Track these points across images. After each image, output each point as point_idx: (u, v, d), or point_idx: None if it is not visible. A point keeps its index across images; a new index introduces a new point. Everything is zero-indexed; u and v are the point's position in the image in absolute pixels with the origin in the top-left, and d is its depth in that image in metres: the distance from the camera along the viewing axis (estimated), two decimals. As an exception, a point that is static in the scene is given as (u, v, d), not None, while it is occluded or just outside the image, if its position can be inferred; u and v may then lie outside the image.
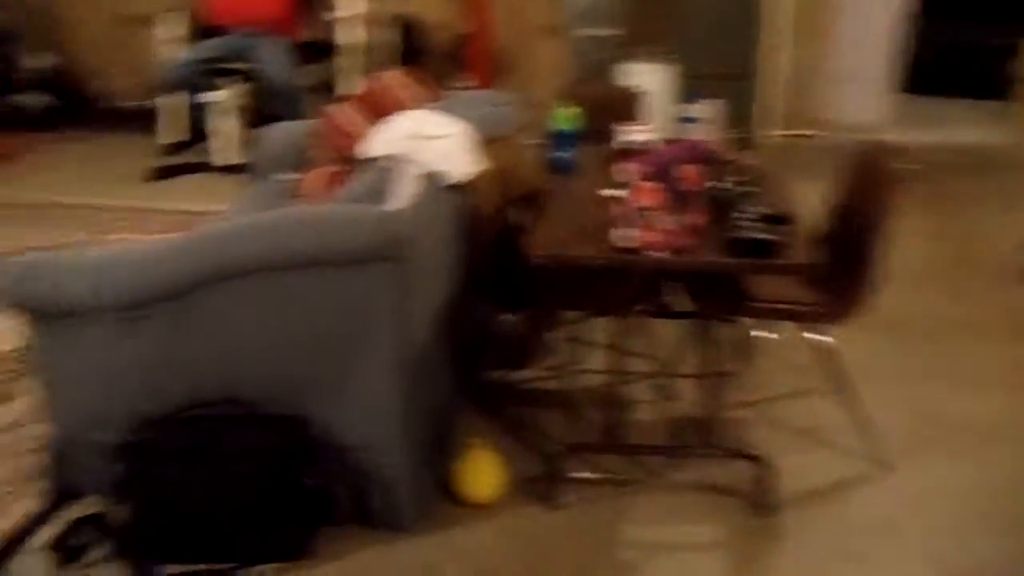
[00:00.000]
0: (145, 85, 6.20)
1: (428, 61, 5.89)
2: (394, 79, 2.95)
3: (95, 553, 2.19)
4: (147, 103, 6.25)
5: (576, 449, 2.61)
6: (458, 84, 5.79)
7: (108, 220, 4.58)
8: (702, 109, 2.95)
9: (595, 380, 3.00)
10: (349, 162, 2.95)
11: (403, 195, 2.20)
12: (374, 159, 2.44)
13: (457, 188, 2.49)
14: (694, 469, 2.54)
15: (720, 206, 2.32)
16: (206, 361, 2.16)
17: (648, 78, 4.93)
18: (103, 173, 5.36)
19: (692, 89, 4.63)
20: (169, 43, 5.63)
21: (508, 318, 3.13)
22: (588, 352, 3.18)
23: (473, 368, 2.96)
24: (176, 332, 2.13)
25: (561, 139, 2.95)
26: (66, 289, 2.11)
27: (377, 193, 2.23)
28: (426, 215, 2.28)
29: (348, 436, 2.21)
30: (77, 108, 6.44)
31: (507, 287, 2.85)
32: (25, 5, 6.46)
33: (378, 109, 2.90)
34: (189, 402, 2.18)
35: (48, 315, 2.17)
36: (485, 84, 5.57)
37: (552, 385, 3.00)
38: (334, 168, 3.12)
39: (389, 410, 2.19)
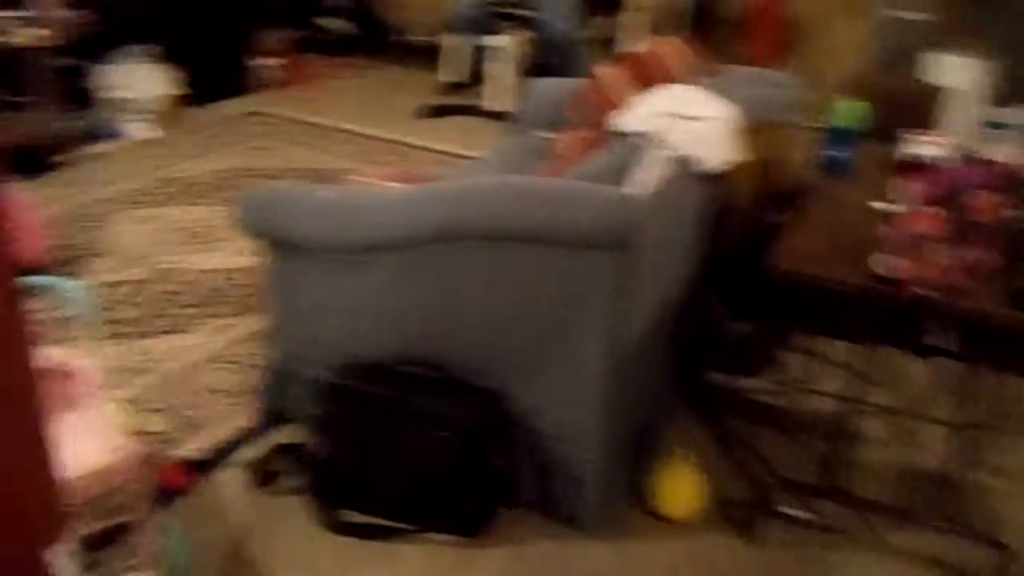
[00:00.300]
0: (438, 22, 6.35)
1: (713, 29, 5.58)
2: (669, 46, 2.76)
3: (288, 481, 2.25)
4: (436, 40, 6.43)
5: (790, 485, 2.35)
6: (738, 58, 5.45)
7: (376, 151, 4.74)
8: (1016, 115, 2.52)
9: (825, 405, 2.70)
10: (605, 131, 2.81)
11: (647, 179, 2.03)
12: (627, 133, 2.27)
13: (709, 177, 2.29)
14: (923, 536, 2.22)
15: (1017, 245, 1.96)
16: (418, 318, 2.12)
17: (957, 74, 4.36)
18: (382, 105, 5.55)
19: (1010, 92, 4.06)
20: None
21: (740, 322, 2.88)
22: (822, 371, 2.87)
23: (693, 369, 2.76)
24: (395, 284, 2.11)
25: (839, 135, 2.63)
26: (299, 225, 2.14)
27: (620, 172, 2.08)
28: (667, 203, 2.10)
29: (544, 421, 2.11)
30: (374, 38, 6.72)
31: (746, 291, 2.61)
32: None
33: (645, 77, 2.73)
34: (395, 355, 2.16)
35: (281, 246, 2.22)
36: (768, 61, 5.19)
37: (776, 402, 2.74)
38: (591, 133, 3.00)
39: (591, 402, 2.06)
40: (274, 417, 2.45)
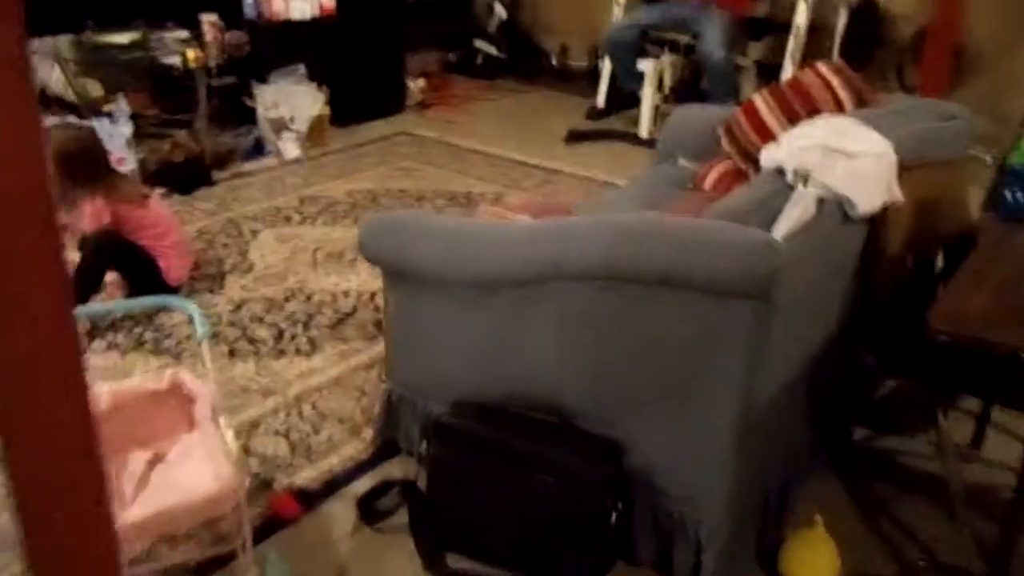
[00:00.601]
0: (591, 46, 6.27)
1: (875, 55, 5.24)
2: (826, 73, 2.56)
3: (396, 519, 2.18)
4: (588, 64, 6.34)
5: (945, 570, 2.10)
6: (904, 86, 5.09)
7: (520, 176, 4.68)
8: None
9: (993, 478, 2.41)
10: (754, 165, 2.63)
11: (792, 221, 1.85)
12: (775, 167, 2.10)
13: (864, 220, 2.07)
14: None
15: None
16: (535, 359, 2.01)
17: None
18: (530, 129, 5.50)
19: None
20: (622, 5, 5.59)
21: (894, 377, 2.62)
22: (991, 437, 2.56)
23: (836, 426, 2.52)
24: (514, 321, 2.01)
25: (1019, 176, 2.36)
26: (418, 254, 2.07)
27: (765, 211, 1.90)
28: (815, 248, 1.92)
29: (665, 478, 1.95)
30: (527, 62, 6.70)
31: (901, 344, 2.36)
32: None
33: (798, 106, 2.54)
34: (509, 395, 2.06)
35: (400, 274, 2.16)
36: (938, 90, 4.80)
37: (932, 468, 2.46)
38: (738, 166, 2.82)
39: (718, 462, 1.89)
40: (388, 448, 2.40)
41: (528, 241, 1.93)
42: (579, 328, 1.94)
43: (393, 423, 2.37)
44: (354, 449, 2.44)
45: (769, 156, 2.13)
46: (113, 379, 2.71)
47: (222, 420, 1.96)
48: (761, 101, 2.66)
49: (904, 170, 2.10)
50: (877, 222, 2.11)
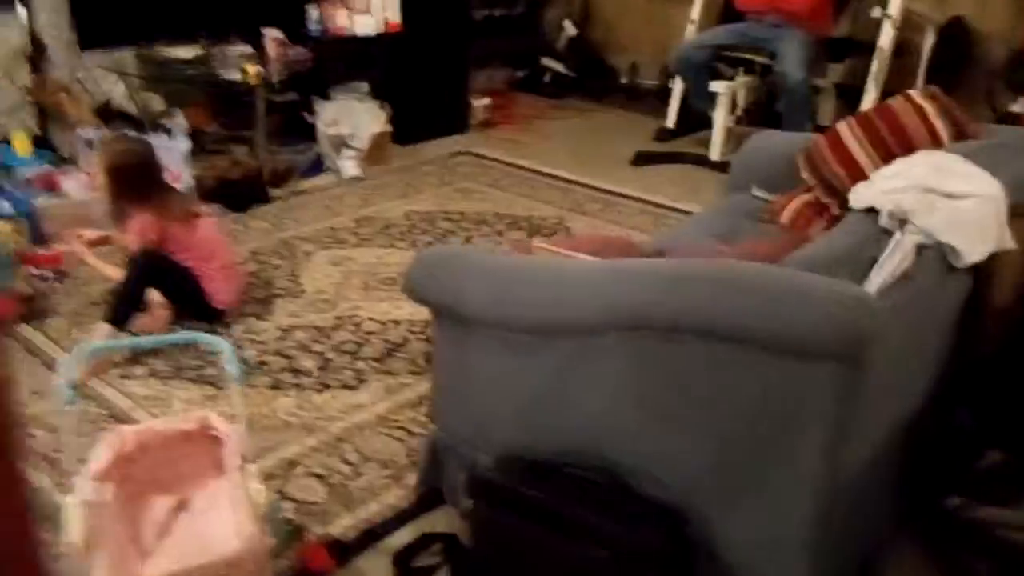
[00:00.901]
0: (662, 65, 6.06)
1: (964, 78, 4.92)
2: (919, 100, 2.34)
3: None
4: (659, 84, 6.13)
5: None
6: (995, 112, 4.77)
7: (583, 199, 4.49)
8: None
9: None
10: (838, 200, 2.42)
11: (888, 272, 1.64)
12: (866, 209, 1.88)
13: (968, 269, 1.84)
14: None
15: None
16: (590, 413, 1.82)
17: None
18: (596, 150, 5.32)
19: None
20: (696, 24, 5.38)
21: (996, 442, 2.36)
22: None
23: (929, 494, 2.27)
24: (569, 371, 1.82)
25: None
26: (467, 293, 1.90)
27: (856, 260, 1.69)
28: (912, 304, 1.69)
29: (735, 555, 1.74)
30: (594, 80, 6.52)
31: (1003, 407, 2.12)
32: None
33: (890, 138, 2.32)
34: (561, 451, 1.87)
35: (448, 313, 1.99)
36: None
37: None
38: (820, 200, 2.60)
39: (796, 539, 1.67)
40: (431, 498, 2.22)
41: (588, 285, 1.74)
42: (641, 383, 1.74)
43: (437, 472, 2.20)
44: (395, 497, 2.27)
45: (860, 196, 1.92)
46: (153, 408, 2.60)
47: (252, 468, 1.81)
48: (847, 130, 2.44)
49: (1016, 214, 1.87)
50: (983, 271, 1.88)
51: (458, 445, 2.13)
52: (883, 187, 1.88)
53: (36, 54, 4.41)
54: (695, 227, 2.84)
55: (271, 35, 4.70)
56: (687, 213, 4.21)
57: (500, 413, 2.00)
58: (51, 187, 3.95)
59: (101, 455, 1.81)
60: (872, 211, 1.83)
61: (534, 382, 1.89)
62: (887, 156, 2.22)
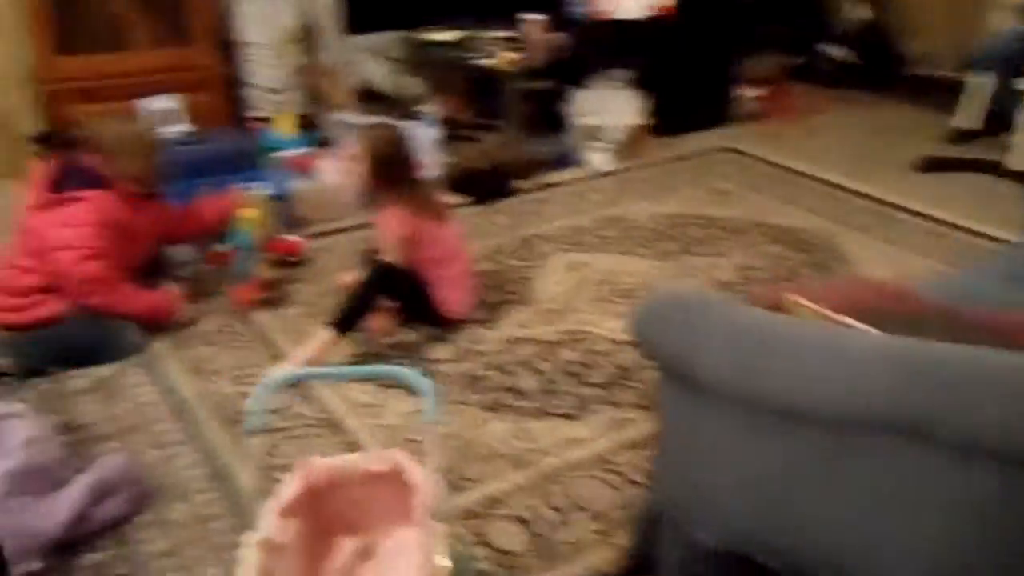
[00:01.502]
0: (962, 55, 5.31)
1: None
2: None
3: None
4: (955, 76, 5.38)
5: None
6: None
7: (856, 211, 3.99)
8: None
9: None
10: None
11: None
12: None
13: None
14: None
15: None
16: (845, 518, 1.48)
17: None
18: (876, 152, 4.75)
19: None
20: (1004, 12, 4.65)
21: None
22: None
23: None
24: (822, 465, 1.49)
25: None
26: (703, 355, 1.60)
27: None
28: None
29: None
30: (881, 70, 5.85)
31: None
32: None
33: None
34: (796, 550, 1.54)
35: (676, 372, 1.71)
36: None
37: None
38: None
39: None
40: (639, 566, 1.96)
41: (866, 373, 1.38)
42: (907, 498, 1.38)
43: (652, 540, 1.92)
44: (602, 558, 2.03)
45: None
46: (366, 417, 2.52)
47: (439, 528, 1.63)
48: None
49: None
50: None
51: (677, 516, 1.85)
52: None
53: (307, 36, 4.53)
54: (988, 279, 2.34)
55: (533, 19, 4.55)
56: (982, 236, 3.63)
57: (728, 492, 1.70)
58: (307, 170, 4.03)
59: (289, 489, 1.71)
60: None
61: (770, 467, 1.57)
62: None
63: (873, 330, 1.57)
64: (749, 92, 5.34)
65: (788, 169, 4.51)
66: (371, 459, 1.80)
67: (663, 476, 1.89)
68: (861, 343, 1.47)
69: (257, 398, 1.64)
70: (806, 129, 5.13)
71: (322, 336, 2.72)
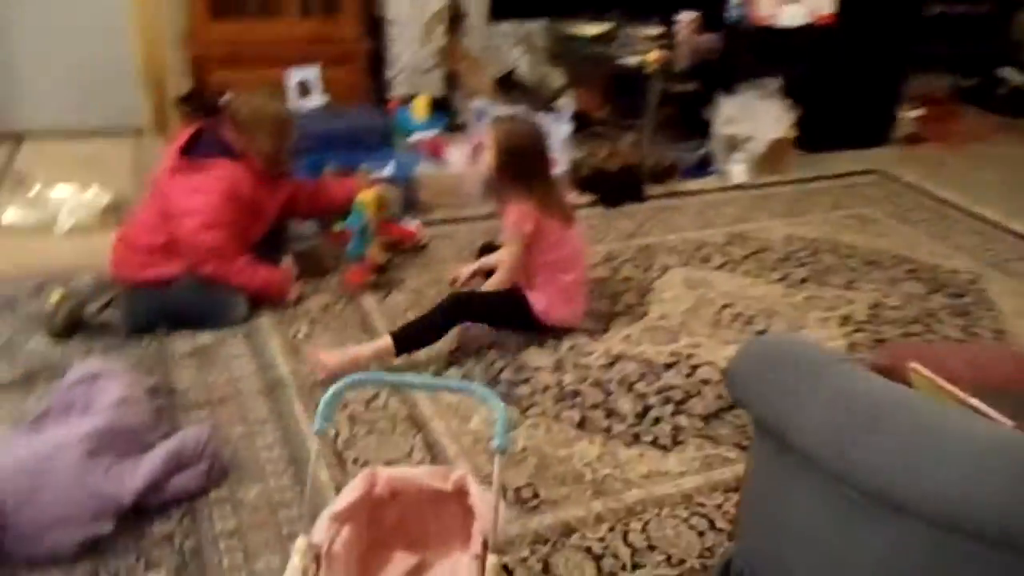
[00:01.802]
0: None
1: None
2: None
3: None
4: None
5: None
6: None
7: (1010, 254, 3.66)
8: None
9: None
10: None
11: None
12: None
13: None
14: None
15: None
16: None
17: None
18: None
19: None
20: None
21: None
22: None
23: None
24: (924, 564, 1.32)
25: None
26: (803, 416, 1.45)
27: None
28: None
29: None
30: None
31: None
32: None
33: None
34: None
35: (764, 424, 1.56)
36: None
37: None
38: None
39: None
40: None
41: (994, 473, 1.20)
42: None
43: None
44: (671, 606, 1.91)
45: None
46: (452, 419, 2.46)
47: (493, 560, 1.54)
48: None
49: None
50: None
51: (754, 573, 1.71)
52: None
53: (453, 19, 4.50)
54: None
55: (686, 18, 4.37)
56: None
57: (806, 563, 1.55)
58: (439, 154, 4.00)
59: (349, 495, 1.65)
60: None
61: (860, 555, 1.41)
62: None
63: (1008, 422, 1.38)
64: (910, 112, 4.99)
65: (942, 200, 4.19)
66: (437, 475, 1.73)
67: (746, 532, 1.75)
68: (988, 435, 1.29)
69: (328, 404, 1.58)
70: (968, 158, 4.76)
71: (381, 343, 2.65)
